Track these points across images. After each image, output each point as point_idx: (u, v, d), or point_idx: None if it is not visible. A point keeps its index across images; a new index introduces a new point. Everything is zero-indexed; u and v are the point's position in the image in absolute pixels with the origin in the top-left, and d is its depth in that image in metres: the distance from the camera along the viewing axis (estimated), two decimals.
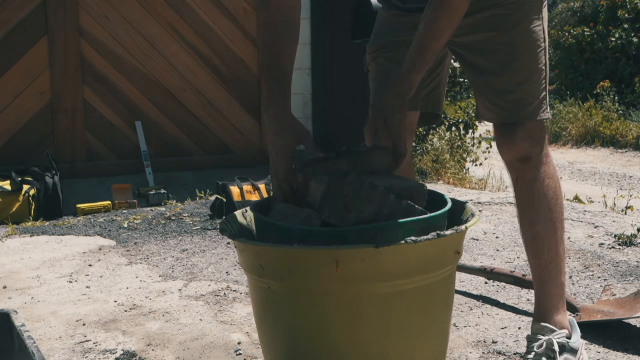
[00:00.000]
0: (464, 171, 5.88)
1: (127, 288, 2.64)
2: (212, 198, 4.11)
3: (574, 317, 2.01)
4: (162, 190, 4.56)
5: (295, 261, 1.30)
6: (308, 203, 1.39)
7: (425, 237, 1.28)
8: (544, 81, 1.74)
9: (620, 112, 9.47)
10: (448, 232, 1.31)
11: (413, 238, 1.26)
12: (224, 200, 3.85)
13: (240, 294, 2.54)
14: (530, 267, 1.83)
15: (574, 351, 1.74)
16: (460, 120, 6.25)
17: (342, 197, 1.29)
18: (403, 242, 1.25)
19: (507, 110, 1.71)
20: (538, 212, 1.75)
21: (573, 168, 7.29)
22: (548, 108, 1.76)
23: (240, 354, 2.00)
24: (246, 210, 1.61)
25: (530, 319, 2.22)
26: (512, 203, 4.17)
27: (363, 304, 1.31)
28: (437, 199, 1.51)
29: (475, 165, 5.82)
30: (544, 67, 1.73)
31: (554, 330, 1.74)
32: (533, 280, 1.82)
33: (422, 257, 1.31)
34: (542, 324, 1.76)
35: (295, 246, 1.27)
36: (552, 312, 1.77)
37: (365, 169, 1.43)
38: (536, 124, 1.72)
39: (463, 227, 1.36)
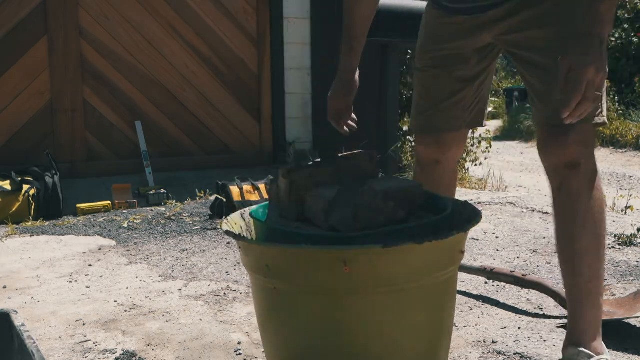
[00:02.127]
0: (464, 171, 5.86)
1: (127, 288, 2.64)
2: (212, 198, 4.11)
3: None
4: (162, 190, 4.56)
5: (302, 261, 1.29)
6: (306, 219, 1.39)
7: (433, 237, 1.28)
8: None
9: (620, 112, 9.46)
10: (455, 232, 1.32)
11: (421, 238, 1.26)
12: (224, 200, 3.85)
13: (240, 294, 2.54)
14: (564, 285, 1.70)
15: None
16: None
17: (354, 206, 1.30)
18: (411, 242, 1.25)
19: (555, 109, 1.55)
20: (583, 227, 1.61)
21: None
22: (604, 112, 1.61)
23: (240, 354, 2.00)
24: (245, 212, 1.61)
25: (531, 319, 2.22)
26: (512, 203, 4.17)
27: (371, 304, 1.31)
28: (437, 201, 1.51)
29: (475, 165, 5.81)
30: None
31: (591, 357, 1.62)
32: (567, 299, 1.70)
33: (430, 257, 1.31)
34: (579, 349, 1.64)
35: (303, 246, 1.27)
36: (590, 336, 1.64)
37: (349, 175, 1.44)
38: (588, 128, 1.58)
39: (469, 226, 1.36)
